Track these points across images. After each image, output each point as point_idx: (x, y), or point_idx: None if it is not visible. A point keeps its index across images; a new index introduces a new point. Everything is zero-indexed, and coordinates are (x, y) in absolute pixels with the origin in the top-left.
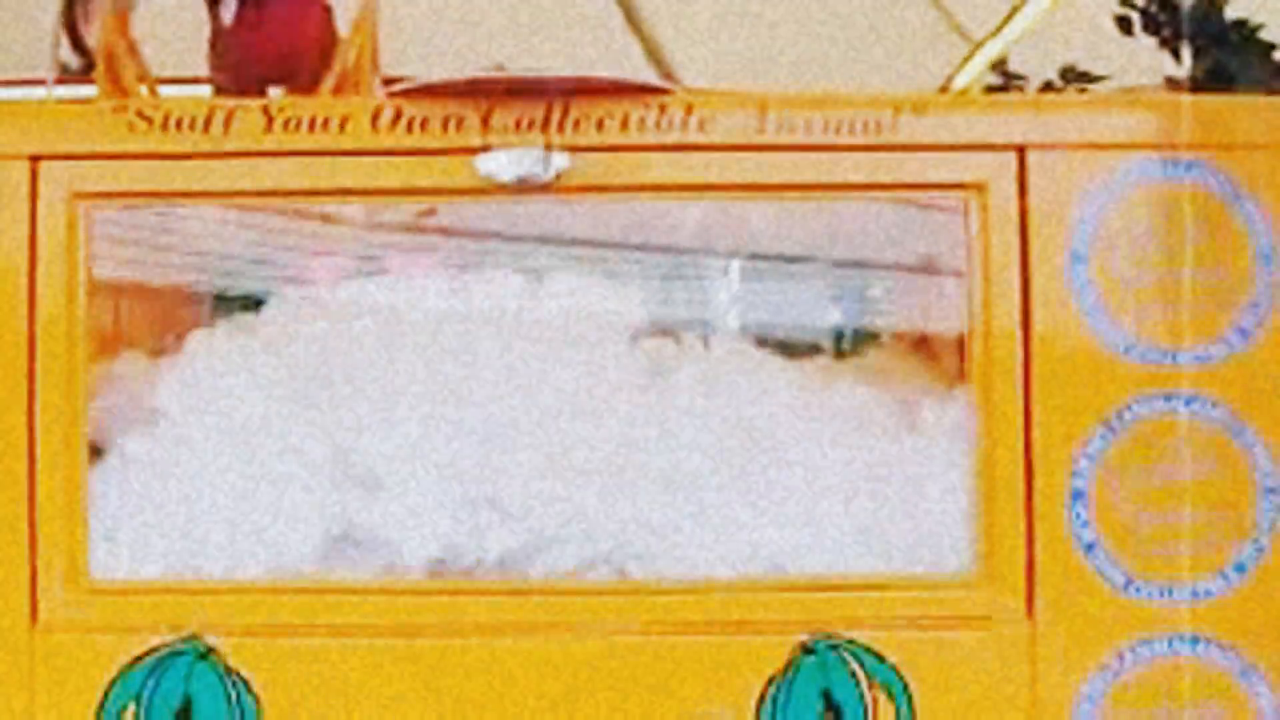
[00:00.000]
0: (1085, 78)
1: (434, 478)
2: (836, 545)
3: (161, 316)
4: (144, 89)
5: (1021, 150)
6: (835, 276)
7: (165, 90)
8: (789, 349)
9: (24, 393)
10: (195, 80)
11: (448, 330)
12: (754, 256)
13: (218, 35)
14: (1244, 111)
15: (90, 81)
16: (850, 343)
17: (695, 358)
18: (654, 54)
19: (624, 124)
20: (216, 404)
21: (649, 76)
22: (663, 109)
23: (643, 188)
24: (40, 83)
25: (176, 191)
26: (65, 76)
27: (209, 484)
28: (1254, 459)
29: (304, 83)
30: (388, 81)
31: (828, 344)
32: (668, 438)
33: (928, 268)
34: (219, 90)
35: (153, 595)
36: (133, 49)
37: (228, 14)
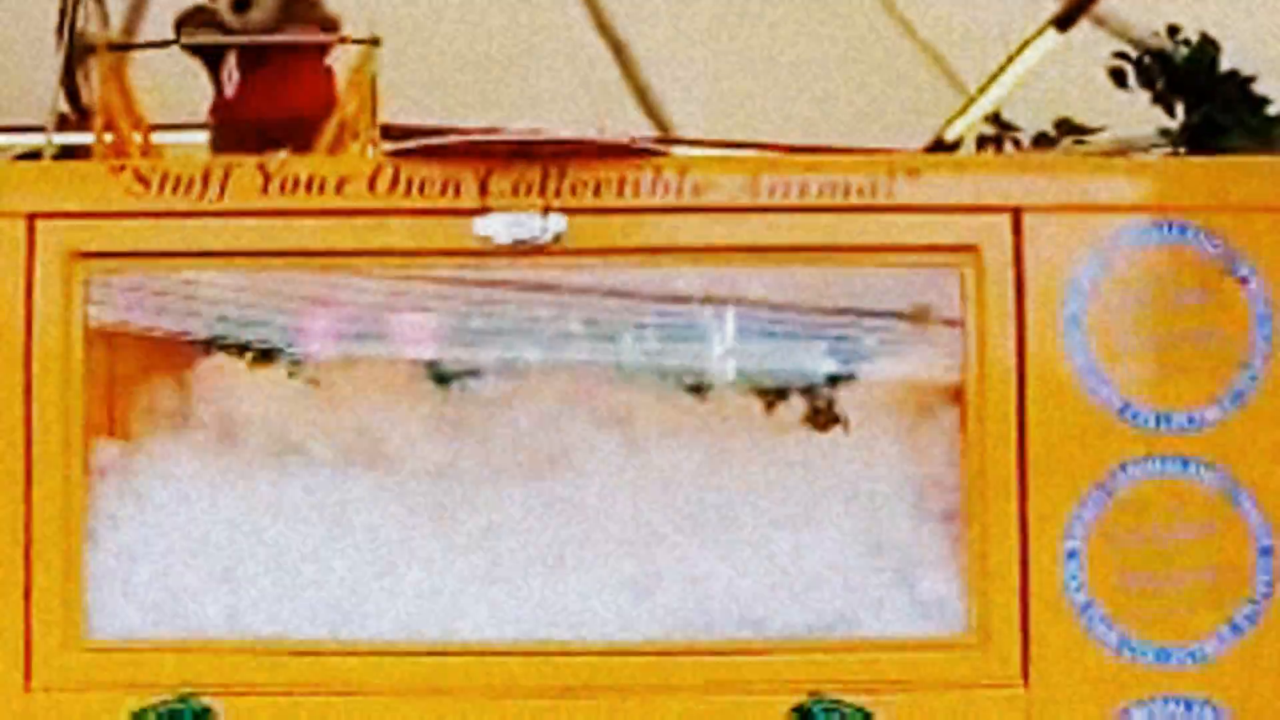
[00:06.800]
0: (1079, 130)
1: (427, 546)
2: (832, 607)
3: (164, 370)
4: (139, 138)
5: (1017, 212)
6: (829, 329)
7: (161, 138)
8: (781, 408)
9: (22, 452)
10: (191, 126)
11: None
12: (747, 306)
13: (219, 102)
14: (1240, 173)
15: (88, 129)
16: (842, 402)
17: (688, 416)
18: (648, 104)
19: (620, 187)
20: (216, 463)
21: (644, 131)
22: (658, 172)
23: (639, 250)
24: (39, 129)
25: (174, 251)
26: (63, 125)
27: (206, 543)
28: (1249, 520)
29: (306, 144)
30: (386, 131)
31: (820, 406)
32: (665, 498)
33: (922, 319)
34: (219, 151)
35: (149, 654)
36: (129, 99)
37: (230, 86)
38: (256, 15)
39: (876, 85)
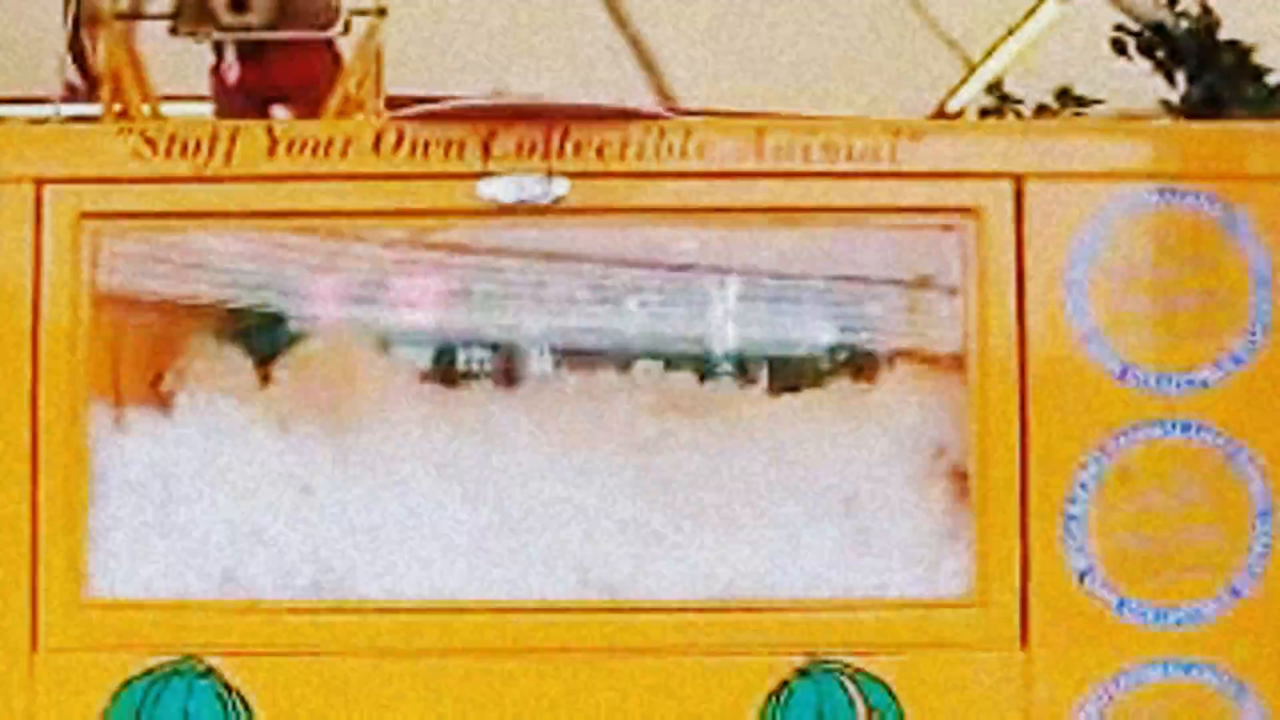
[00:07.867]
0: (1080, 100)
1: (426, 508)
2: (833, 569)
3: (167, 334)
4: (147, 108)
5: (1018, 178)
6: (832, 295)
7: (168, 108)
8: (784, 373)
9: (27, 414)
10: (198, 99)
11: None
12: (750, 274)
13: (222, 86)
14: (1240, 139)
15: (95, 100)
16: (847, 365)
17: (691, 384)
18: (652, 74)
19: (623, 150)
20: (218, 428)
21: (648, 100)
22: (661, 134)
23: (641, 211)
24: (45, 101)
25: (180, 212)
26: (71, 95)
27: (209, 505)
28: (1249, 482)
29: (310, 109)
30: (391, 101)
31: (824, 367)
32: (669, 465)
33: (925, 286)
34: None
35: (152, 614)
36: (137, 68)
37: (231, 74)
38: (254, 19)
39: (880, 58)
